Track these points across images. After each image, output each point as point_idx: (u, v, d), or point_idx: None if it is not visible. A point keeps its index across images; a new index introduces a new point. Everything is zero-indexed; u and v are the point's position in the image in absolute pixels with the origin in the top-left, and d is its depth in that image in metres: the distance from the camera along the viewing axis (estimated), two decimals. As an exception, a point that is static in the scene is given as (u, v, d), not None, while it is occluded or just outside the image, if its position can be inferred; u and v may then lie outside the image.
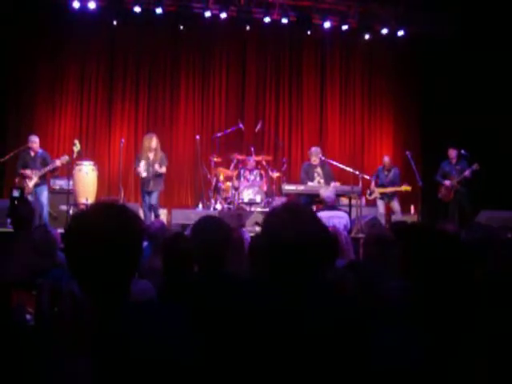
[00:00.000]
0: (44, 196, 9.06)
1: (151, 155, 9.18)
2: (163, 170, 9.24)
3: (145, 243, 4.98)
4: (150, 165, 9.12)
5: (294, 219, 1.79)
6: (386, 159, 10.57)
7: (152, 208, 9.18)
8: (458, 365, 1.73)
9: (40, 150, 9.17)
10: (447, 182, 10.01)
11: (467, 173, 9.72)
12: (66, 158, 9.07)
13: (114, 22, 10.87)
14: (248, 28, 11.40)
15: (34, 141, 9.10)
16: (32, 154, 9.07)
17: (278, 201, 9.75)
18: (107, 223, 1.61)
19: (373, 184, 10.25)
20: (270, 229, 1.83)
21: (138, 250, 1.68)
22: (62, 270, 3.41)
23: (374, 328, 1.82)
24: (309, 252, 1.77)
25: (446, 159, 10.23)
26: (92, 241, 1.57)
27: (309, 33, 11.58)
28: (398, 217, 9.93)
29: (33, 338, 1.58)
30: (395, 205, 10.17)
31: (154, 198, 9.18)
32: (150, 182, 9.14)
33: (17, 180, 9.04)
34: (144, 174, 9.09)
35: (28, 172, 8.89)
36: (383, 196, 10.15)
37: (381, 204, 10.15)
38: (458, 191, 9.91)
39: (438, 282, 1.84)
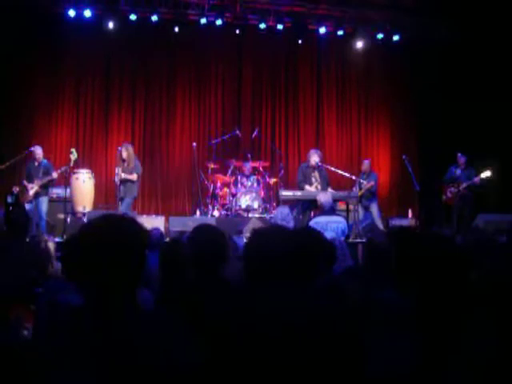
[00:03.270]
0: (44, 206, 9.15)
1: (124, 164, 9.33)
2: (132, 176, 9.29)
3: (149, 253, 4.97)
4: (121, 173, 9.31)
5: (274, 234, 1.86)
6: (366, 162, 10.54)
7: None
8: (454, 370, 1.74)
9: (44, 161, 9.36)
10: (451, 189, 10.02)
11: (476, 179, 9.75)
12: (64, 168, 9.24)
13: (110, 25, 10.85)
14: (238, 31, 11.41)
15: (38, 152, 9.28)
16: (36, 164, 9.26)
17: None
18: (113, 234, 1.64)
19: (355, 189, 10.17)
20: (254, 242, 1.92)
21: (141, 260, 1.70)
22: (58, 280, 3.40)
23: (368, 333, 1.83)
24: (288, 261, 1.82)
25: (454, 163, 10.20)
26: (98, 250, 1.60)
27: (300, 42, 11.74)
28: (377, 222, 9.89)
29: (31, 353, 1.58)
30: (374, 209, 10.13)
31: (124, 205, 9.26)
32: (119, 188, 9.31)
33: (16, 189, 9.15)
34: (117, 182, 9.31)
35: (29, 185, 9.04)
36: (361, 200, 10.06)
37: (360, 210, 10.04)
38: (463, 196, 9.93)
39: (432, 285, 1.85)
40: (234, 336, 1.65)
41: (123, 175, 9.21)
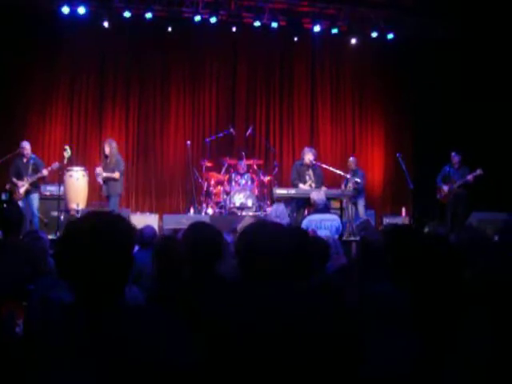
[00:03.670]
0: (35, 203, 9.10)
1: (106, 160, 9.27)
2: (114, 175, 9.15)
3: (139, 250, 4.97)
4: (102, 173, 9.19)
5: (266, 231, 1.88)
6: (352, 159, 10.54)
7: None
8: (451, 368, 1.74)
9: (32, 156, 9.26)
10: (445, 188, 10.07)
11: (469, 177, 9.80)
12: (56, 165, 9.18)
13: (104, 22, 10.81)
14: (234, 29, 11.40)
15: (25, 147, 9.17)
16: (24, 160, 9.15)
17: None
18: (101, 230, 1.64)
19: (342, 188, 10.17)
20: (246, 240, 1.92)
21: (130, 256, 1.70)
22: (51, 277, 3.39)
23: (365, 332, 1.82)
24: (282, 259, 1.83)
25: (448, 162, 10.23)
26: (86, 246, 1.59)
27: (295, 40, 11.75)
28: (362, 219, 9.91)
29: (23, 349, 1.57)
30: (360, 206, 10.14)
31: (111, 204, 9.16)
32: (103, 186, 9.25)
33: (8, 186, 9.08)
34: (99, 180, 9.21)
35: (19, 183, 8.96)
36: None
37: (349, 207, 10.05)
38: (457, 194, 9.96)
39: (426, 283, 1.85)
40: (234, 335, 1.65)
41: (105, 174, 9.10)
